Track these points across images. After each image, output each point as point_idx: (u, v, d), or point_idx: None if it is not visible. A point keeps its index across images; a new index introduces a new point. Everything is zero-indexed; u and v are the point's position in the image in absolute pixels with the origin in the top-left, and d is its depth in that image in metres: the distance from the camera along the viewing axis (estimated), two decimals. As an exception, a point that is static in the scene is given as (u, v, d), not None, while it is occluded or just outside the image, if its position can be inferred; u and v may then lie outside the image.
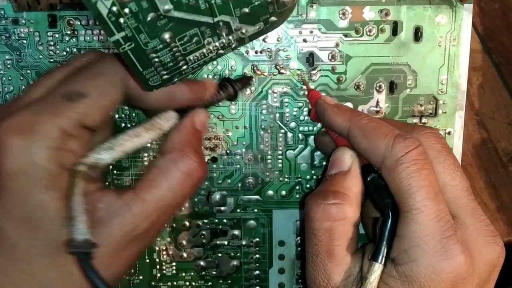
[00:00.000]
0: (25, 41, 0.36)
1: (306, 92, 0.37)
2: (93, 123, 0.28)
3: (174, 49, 0.25)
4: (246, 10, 0.24)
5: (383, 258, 0.28)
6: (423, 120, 0.37)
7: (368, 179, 0.30)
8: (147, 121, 0.31)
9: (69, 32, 0.35)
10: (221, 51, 0.26)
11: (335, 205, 0.29)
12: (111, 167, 0.38)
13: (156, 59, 0.25)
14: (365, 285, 0.28)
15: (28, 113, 0.27)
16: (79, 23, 0.35)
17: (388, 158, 0.28)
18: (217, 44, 0.26)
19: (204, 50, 0.26)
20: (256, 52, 0.36)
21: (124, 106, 0.34)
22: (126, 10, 0.22)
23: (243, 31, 0.25)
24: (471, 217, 0.29)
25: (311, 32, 0.36)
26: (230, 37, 0.26)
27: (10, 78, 0.36)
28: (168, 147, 0.30)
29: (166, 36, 0.24)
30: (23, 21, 0.35)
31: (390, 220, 0.28)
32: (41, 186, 0.26)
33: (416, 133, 0.30)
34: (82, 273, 0.27)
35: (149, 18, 0.22)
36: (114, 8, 0.21)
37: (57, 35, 0.35)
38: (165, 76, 0.26)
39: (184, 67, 0.26)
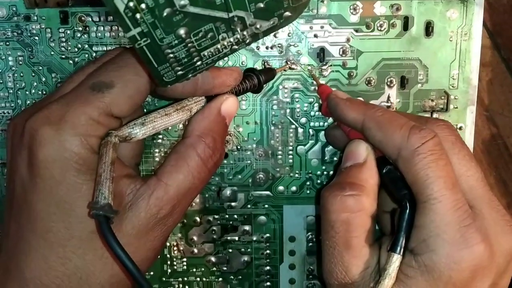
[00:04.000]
0: (37, 38, 0.36)
1: (316, 88, 0.37)
2: (121, 112, 0.29)
3: (189, 45, 0.25)
4: (261, 5, 0.24)
5: (402, 249, 0.28)
6: (435, 115, 0.37)
7: (384, 171, 0.30)
8: (177, 102, 0.31)
9: (80, 29, 0.35)
10: (236, 47, 0.26)
11: (352, 197, 0.29)
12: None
13: (171, 55, 0.25)
14: (384, 276, 0.28)
15: (57, 105, 0.28)
16: (90, 19, 0.35)
17: (404, 149, 0.28)
18: (231, 39, 0.26)
19: (219, 46, 0.26)
20: (267, 48, 0.36)
21: (151, 96, 0.35)
22: (143, 6, 0.22)
23: (258, 26, 0.25)
24: (488, 207, 0.29)
25: (322, 27, 0.36)
26: (245, 33, 0.26)
27: (22, 74, 0.36)
28: (188, 131, 0.31)
29: (182, 31, 0.24)
30: (35, 18, 0.35)
31: (408, 211, 0.28)
32: (73, 170, 0.27)
33: (430, 125, 0.30)
34: (100, 236, 0.28)
35: (165, 14, 0.22)
36: (131, 4, 0.21)
37: (68, 32, 0.36)
38: (180, 72, 0.26)
39: (199, 63, 0.26)
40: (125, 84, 0.29)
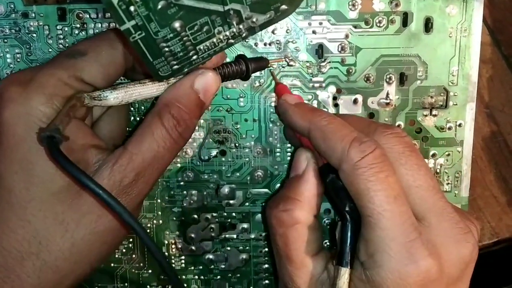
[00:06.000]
0: (34, 35, 0.36)
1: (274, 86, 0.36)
2: (92, 78, 0.29)
3: (184, 39, 0.25)
4: (257, -2, 0.24)
5: (348, 262, 0.28)
6: (434, 112, 0.37)
7: (327, 180, 0.30)
8: None
9: (78, 25, 0.35)
10: (232, 41, 0.26)
11: (286, 212, 0.30)
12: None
13: (166, 49, 0.25)
14: None
15: (30, 69, 0.29)
16: (88, 16, 0.35)
17: (344, 162, 0.28)
18: (227, 33, 0.26)
19: (215, 40, 0.26)
20: (265, 44, 0.36)
21: (128, 76, 0.35)
22: (137, -2, 0.22)
23: (254, 19, 0.25)
24: (439, 217, 0.28)
25: (320, 23, 0.36)
26: (241, 26, 0.26)
27: (19, 71, 0.36)
28: (158, 101, 0.31)
29: (177, 25, 0.23)
30: (33, 15, 0.35)
31: (348, 224, 0.28)
32: (37, 128, 0.27)
33: (377, 135, 0.29)
34: (50, 158, 0.27)
35: (159, 6, 0.22)
36: (125, -4, 0.21)
37: (66, 29, 0.35)
38: (175, 66, 0.26)
39: (194, 57, 0.26)
40: (98, 53, 0.29)
